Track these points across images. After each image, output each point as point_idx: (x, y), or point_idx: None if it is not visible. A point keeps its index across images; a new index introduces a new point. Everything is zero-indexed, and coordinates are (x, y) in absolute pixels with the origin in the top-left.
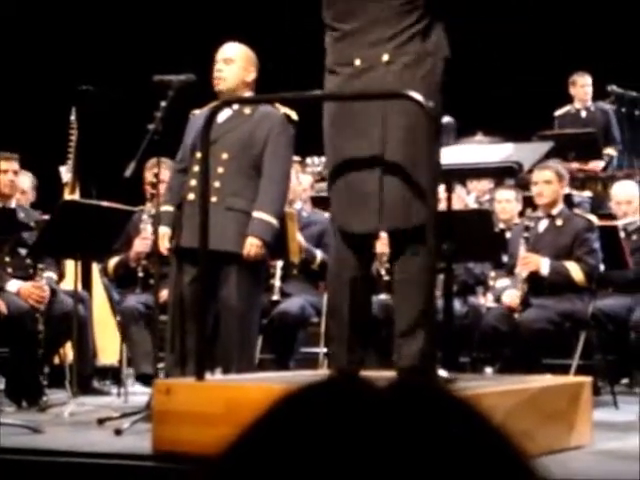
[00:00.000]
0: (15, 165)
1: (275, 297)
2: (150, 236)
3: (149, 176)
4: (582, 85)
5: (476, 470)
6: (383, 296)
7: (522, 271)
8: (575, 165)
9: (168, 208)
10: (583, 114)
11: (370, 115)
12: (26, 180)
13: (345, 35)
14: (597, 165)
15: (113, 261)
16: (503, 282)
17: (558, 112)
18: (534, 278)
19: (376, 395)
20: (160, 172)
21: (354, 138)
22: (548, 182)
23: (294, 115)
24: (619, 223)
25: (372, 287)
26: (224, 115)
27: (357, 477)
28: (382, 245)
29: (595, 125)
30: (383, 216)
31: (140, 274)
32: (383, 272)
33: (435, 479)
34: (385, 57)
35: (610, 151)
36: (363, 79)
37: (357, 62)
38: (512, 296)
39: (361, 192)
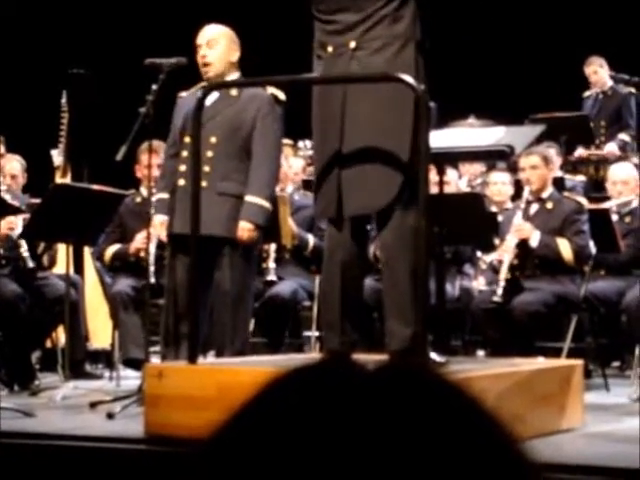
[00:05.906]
0: (0, 147)
1: (270, 277)
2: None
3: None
4: (589, 74)
5: (466, 453)
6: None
7: (514, 237)
8: (587, 152)
9: (163, 195)
10: (600, 97)
11: (331, 108)
12: (16, 165)
13: (322, 22)
14: (613, 151)
15: (111, 250)
16: (492, 255)
17: (586, 93)
18: (523, 249)
19: (367, 378)
20: (151, 157)
21: (325, 130)
22: (534, 167)
23: (281, 95)
24: (612, 204)
25: (365, 269)
26: (211, 98)
27: (347, 459)
28: None
29: (608, 108)
30: (347, 204)
31: (132, 259)
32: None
33: (425, 462)
34: (352, 44)
35: (623, 136)
36: (333, 66)
37: (330, 49)
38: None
39: (326, 183)
